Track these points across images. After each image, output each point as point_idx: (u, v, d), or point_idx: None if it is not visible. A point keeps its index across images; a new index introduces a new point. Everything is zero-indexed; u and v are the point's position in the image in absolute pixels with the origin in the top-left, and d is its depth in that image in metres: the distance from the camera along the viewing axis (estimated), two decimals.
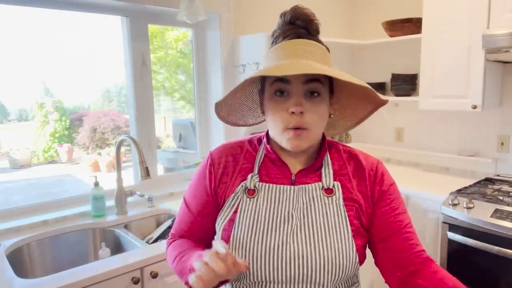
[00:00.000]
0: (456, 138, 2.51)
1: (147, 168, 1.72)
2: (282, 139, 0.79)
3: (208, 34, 2.32)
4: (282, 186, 0.82)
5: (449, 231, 1.89)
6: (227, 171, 0.86)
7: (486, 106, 2.09)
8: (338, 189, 0.81)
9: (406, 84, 2.58)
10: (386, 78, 2.80)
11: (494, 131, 2.33)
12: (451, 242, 1.90)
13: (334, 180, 0.83)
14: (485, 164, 2.36)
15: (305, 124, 0.76)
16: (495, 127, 2.33)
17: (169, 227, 1.87)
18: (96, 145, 7.50)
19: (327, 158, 0.85)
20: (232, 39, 2.27)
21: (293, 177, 0.84)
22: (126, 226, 1.80)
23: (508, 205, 1.79)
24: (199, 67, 2.38)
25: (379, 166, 0.87)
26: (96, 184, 1.82)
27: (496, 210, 1.77)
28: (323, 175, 0.83)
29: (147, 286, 1.40)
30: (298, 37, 0.78)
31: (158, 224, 1.94)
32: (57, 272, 1.29)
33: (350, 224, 0.79)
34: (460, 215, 1.84)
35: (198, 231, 0.90)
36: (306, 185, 0.82)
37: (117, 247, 1.71)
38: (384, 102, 0.81)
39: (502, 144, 2.30)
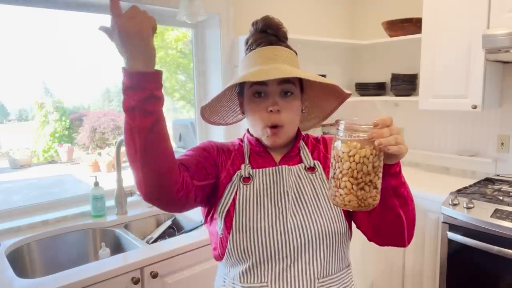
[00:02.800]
0: (456, 138, 2.51)
1: None
2: (262, 136, 0.90)
3: (208, 34, 2.32)
4: (273, 167, 0.91)
5: (449, 231, 1.89)
6: (225, 157, 0.93)
7: (486, 106, 2.09)
8: (319, 166, 0.93)
9: (406, 84, 2.58)
10: (386, 78, 2.80)
11: (494, 131, 2.33)
12: (451, 242, 1.90)
13: (313, 159, 0.95)
14: (485, 164, 2.36)
15: (281, 122, 0.87)
16: (495, 127, 2.33)
17: (169, 227, 1.87)
18: (96, 145, 7.48)
19: (302, 144, 0.96)
20: (232, 39, 2.27)
21: (277, 163, 0.93)
22: (126, 226, 1.80)
23: (508, 205, 1.79)
24: (199, 67, 2.38)
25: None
26: (96, 184, 1.82)
27: (496, 210, 1.77)
28: (302, 157, 0.94)
29: (147, 286, 1.40)
30: (270, 44, 0.89)
31: (158, 224, 1.94)
32: (57, 272, 1.30)
33: None
34: (460, 215, 1.84)
35: (189, 160, 0.88)
36: (291, 166, 0.92)
37: (117, 247, 1.72)
38: (347, 96, 0.92)
39: (502, 144, 2.30)
